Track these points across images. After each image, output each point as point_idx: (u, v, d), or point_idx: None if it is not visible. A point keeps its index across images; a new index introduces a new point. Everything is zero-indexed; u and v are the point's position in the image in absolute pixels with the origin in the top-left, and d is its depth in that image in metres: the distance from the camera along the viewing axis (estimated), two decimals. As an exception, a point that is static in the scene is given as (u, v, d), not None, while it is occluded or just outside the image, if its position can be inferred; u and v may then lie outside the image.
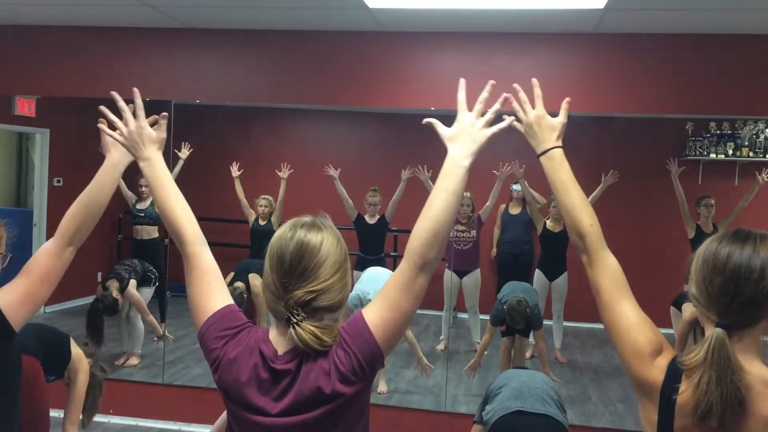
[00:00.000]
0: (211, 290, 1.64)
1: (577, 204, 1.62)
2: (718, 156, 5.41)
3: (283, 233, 1.56)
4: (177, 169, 5.17)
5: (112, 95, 1.82)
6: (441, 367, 5.12)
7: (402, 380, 5.28)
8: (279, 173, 5.77)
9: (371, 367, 1.49)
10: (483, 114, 1.60)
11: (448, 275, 5.49)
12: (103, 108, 1.84)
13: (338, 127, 6.60)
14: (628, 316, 1.51)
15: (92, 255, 5.52)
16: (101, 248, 6.02)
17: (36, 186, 5.70)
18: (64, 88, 4.92)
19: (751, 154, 5.38)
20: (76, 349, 3.32)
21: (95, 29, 4.84)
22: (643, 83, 4.32)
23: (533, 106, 1.73)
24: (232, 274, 5.42)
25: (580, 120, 4.96)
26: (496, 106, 1.63)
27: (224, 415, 3.35)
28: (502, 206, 5.94)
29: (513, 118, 1.69)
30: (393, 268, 5.72)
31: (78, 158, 5.64)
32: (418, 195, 5.29)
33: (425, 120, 1.66)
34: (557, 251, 5.43)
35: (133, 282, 5.30)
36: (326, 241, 1.54)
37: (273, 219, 5.81)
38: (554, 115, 1.74)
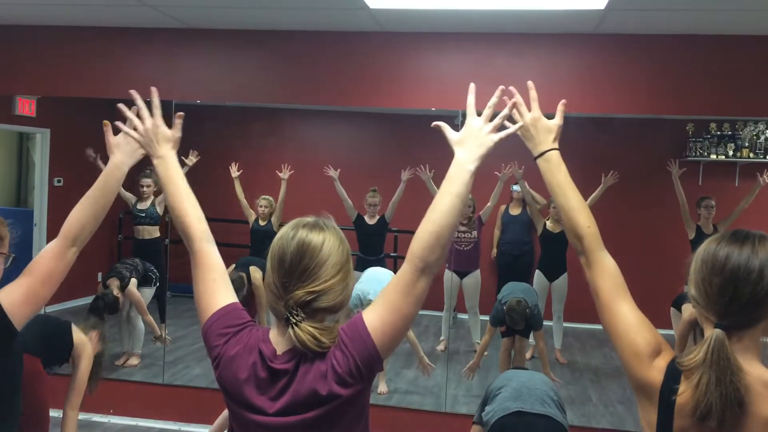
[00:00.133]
0: (216, 287, 1.65)
1: (575, 206, 1.63)
2: (719, 157, 5.41)
3: (285, 233, 1.56)
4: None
5: (131, 94, 1.86)
6: (441, 368, 5.12)
7: (402, 380, 5.28)
8: (279, 174, 5.77)
9: (369, 370, 1.48)
10: (492, 119, 1.60)
11: (449, 276, 5.49)
12: (121, 106, 1.88)
13: (338, 128, 6.60)
14: (626, 317, 1.52)
15: (93, 255, 5.47)
16: (102, 248, 6.02)
17: (36, 186, 5.70)
18: (64, 88, 4.92)
19: (751, 155, 5.37)
20: (78, 336, 3.32)
21: (96, 29, 4.84)
22: (643, 84, 4.32)
23: (529, 109, 1.73)
24: (233, 266, 5.41)
25: (581, 120, 4.97)
26: (505, 111, 1.64)
27: (224, 414, 3.36)
28: (503, 207, 5.95)
29: (521, 123, 1.69)
30: (393, 268, 5.76)
31: (78, 158, 5.65)
32: (419, 196, 5.31)
33: (434, 123, 1.65)
34: (557, 252, 5.43)
35: (133, 281, 5.30)
36: (328, 241, 1.54)
37: (273, 219, 5.82)
38: (551, 116, 1.74)
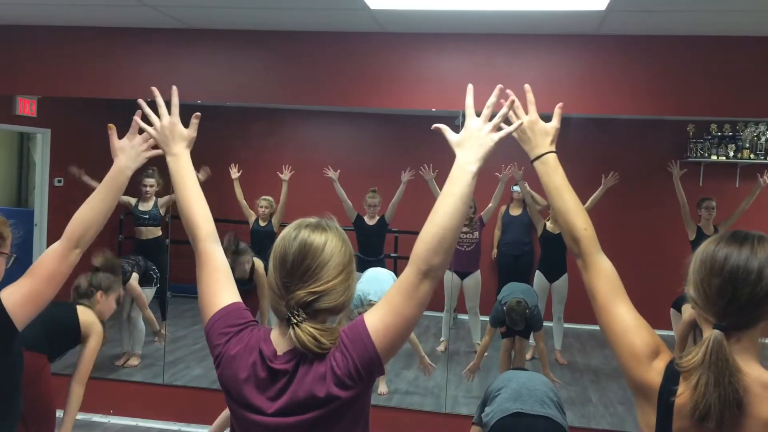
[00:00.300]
0: (219, 287, 1.66)
1: (572, 208, 1.63)
2: (719, 158, 5.41)
3: (287, 234, 1.56)
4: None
5: (152, 91, 1.89)
6: (441, 369, 5.11)
7: (402, 381, 5.28)
8: (280, 175, 5.77)
9: (369, 372, 1.48)
10: (491, 118, 1.60)
11: (449, 276, 5.49)
12: (141, 101, 1.91)
13: (339, 128, 6.60)
14: (624, 318, 1.51)
15: (92, 254, 5.51)
16: (102, 248, 6.01)
17: (37, 186, 5.70)
18: (65, 88, 4.93)
19: (752, 156, 5.37)
20: (84, 316, 3.32)
21: (96, 29, 4.85)
22: (644, 85, 4.32)
23: (526, 112, 1.73)
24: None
25: (582, 121, 4.98)
26: (504, 110, 1.63)
27: (223, 414, 3.37)
28: (503, 208, 5.95)
29: (521, 121, 1.69)
30: (393, 269, 5.75)
31: (79, 159, 5.66)
32: (419, 196, 5.31)
33: (434, 126, 1.65)
34: (557, 252, 5.43)
35: (135, 276, 5.28)
36: (330, 242, 1.53)
37: (273, 220, 5.81)
38: (550, 117, 1.74)
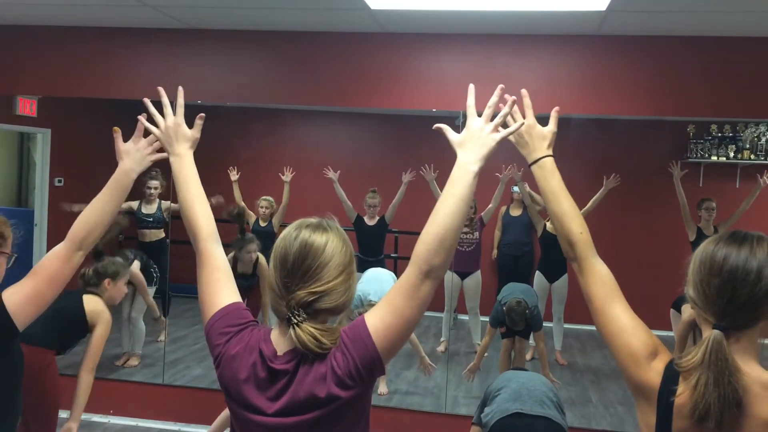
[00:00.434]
0: (220, 287, 1.66)
1: (568, 212, 1.64)
2: (720, 158, 5.41)
3: (287, 234, 1.56)
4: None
5: (159, 90, 1.89)
6: (441, 369, 5.11)
7: (402, 381, 5.28)
8: (282, 177, 5.76)
9: (369, 372, 1.47)
10: (492, 119, 1.60)
11: (449, 276, 5.49)
12: (146, 100, 1.93)
13: (339, 128, 6.61)
14: (621, 319, 1.51)
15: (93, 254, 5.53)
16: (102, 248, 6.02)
17: (37, 186, 5.70)
18: (65, 88, 4.93)
19: (752, 156, 5.38)
20: (90, 305, 3.33)
21: (96, 29, 4.85)
22: (644, 85, 4.32)
23: (524, 116, 1.74)
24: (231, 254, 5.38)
25: (582, 122, 4.98)
26: (506, 110, 1.63)
27: (223, 414, 3.37)
28: (503, 208, 5.95)
29: (522, 122, 1.69)
30: (393, 269, 5.74)
31: (79, 158, 5.66)
32: (420, 197, 5.31)
33: (436, 126, 1.65)
34: (557, 253, 5.32)
35: (136, 263, 5.27)
36: (331, 242, 1.53)
37: (274, 221, 5.81)
38: (546, 117, 1.74)
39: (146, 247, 5.63)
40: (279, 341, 1.52)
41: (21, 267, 2.05)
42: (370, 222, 5.69)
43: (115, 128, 1.98)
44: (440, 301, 5.56)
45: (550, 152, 1.70)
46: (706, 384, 1.33)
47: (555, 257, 5.43)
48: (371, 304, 4.55)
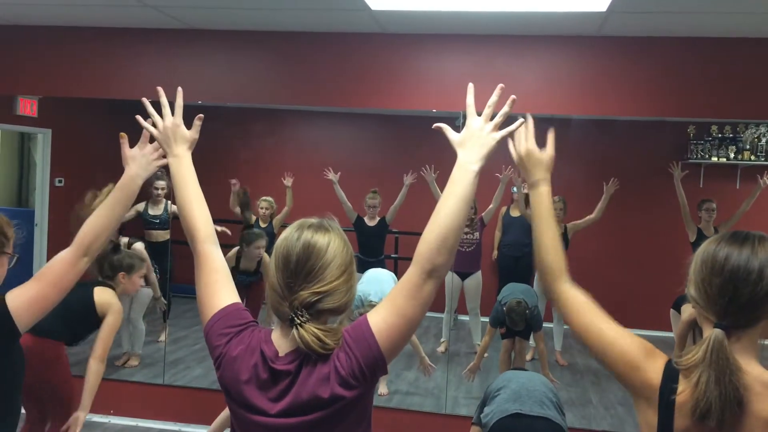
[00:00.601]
0: (218, 288, 1.65)
1: (547, 244, 1.65)
2: (720, 159, 5.41)
3: (289, 234, 1.56)
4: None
5: (158, 90, 1.89)
6: (441, 370, 5.11)
7: (402, 382, 5.27)
8: (284, 181, 5.75)
9: (372, 372, 1.48)
10: (492, 118, 1.60)
11: (450, 277, 5.49)
12: (144, 100, 1.92)
13: (339, 129, 6.61)
14: (607, 333, 1.52)
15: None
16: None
17: (37, 186, 5.70)
18: (66, 88, 4.93)
19: (752, 157, 5.38)
20: (101, 296, 3.34)
21: (97, 30, 4.85)
22: (644, 86, 4.32)
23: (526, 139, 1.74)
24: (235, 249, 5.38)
25: (582, 123, 4.98)
26: (505, 109, 1.63)
27: (222, 415, 3.36)
28: (503, 208, 5.95)
29: (522, 120, 1.69)
30: (393, 270, 5.72)
31: (80, 159, 5.66)
32: (420, 197, 5.31)
33: (436, 125, 1.65)
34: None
35: (140, 243, 5.25)
36: (333, 242, 1.54)
37: (275, 222, 5.80)
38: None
39: (152, 248, 5.63)
40: (280, 342, 1.52)
41: (22, 267, 2.05)
42: (370, 223, 5.69)
43: (122, 134, 1.99)
44: (440, 302, 5.56)
45: (546, 176, 1.71)
46: (707, 382, 1.34)
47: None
48: (372, 305, 4.55)
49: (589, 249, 5.54)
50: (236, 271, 5.26)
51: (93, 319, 3.30)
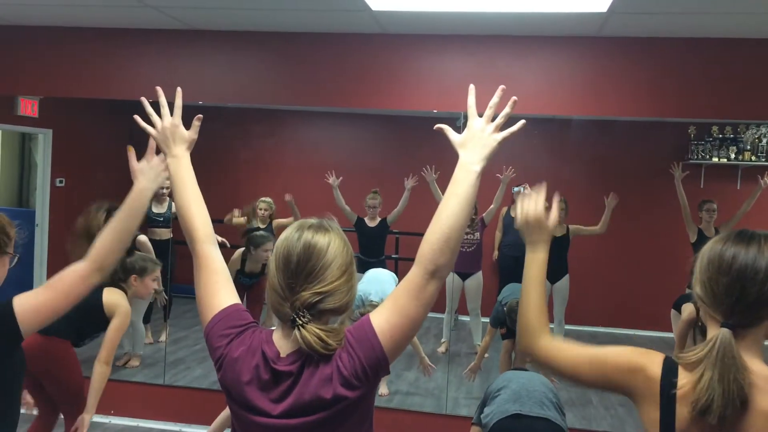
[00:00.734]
0: (218, 289, 1.65)
1: (532, 303, 1.76)
2: (721, 160, 5.41)
3: (290, 234, 1.56)
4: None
5: (157, 90, 1.88)
6: (442, 370, 5.11)
7: (403, 382, 5.28)
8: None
9: (375, 372, 1.48)
10: (493, 119, 1.60)
11: (450, 277, 5.49)
12: (143, 99, 1.92)
13: (340, 130, 6.61)
14: (598, 353, 1.56)
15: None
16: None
17: (38, 186, 5.70)
18: (66, 88, 4.93)
19: (753, 158, 5.38)
20: (109, 297, 3.33)
21: (98, 30, 4.85)
22: (645, 86, 4.32)
23: (549, 207, 1.80)
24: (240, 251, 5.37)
25: (583, 123, 4.98)
26: (507, 110, 1.63)
27: (222, 415, 3.37)
28: (504, 209, 5.95)
29: (524, 121, 1.69)
30: (394, 270, 5.71)
31: (80, 159, 5.66)
32: (421, 198, 5.31)
33: (437, 126, 1.65)
34: (559, 254, 5.44)
35: (144, 236, 5.26)
36: (333, 243, 1.54)
37: (275, 224, 5.77)
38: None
39: (155, 246, 5.64)
40: (282, 343, 1.52)
41: (22, 267, 2.05)
42: (371, 223, 5.68)
43: (129, 147, 1.99)
44: (441, 302, 5.55)
45: (548, 240, 1.80)
46: (710, 380, 1.35)
47: (556, 258, 5.40)
48: (372, 304, 4.55)
49: (590, 249, 5.55)
50: (241, 274, 5.27)
51: (100, 319, 3.30)
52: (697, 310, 1.56)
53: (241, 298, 1.76)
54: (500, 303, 4.72)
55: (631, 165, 5.72)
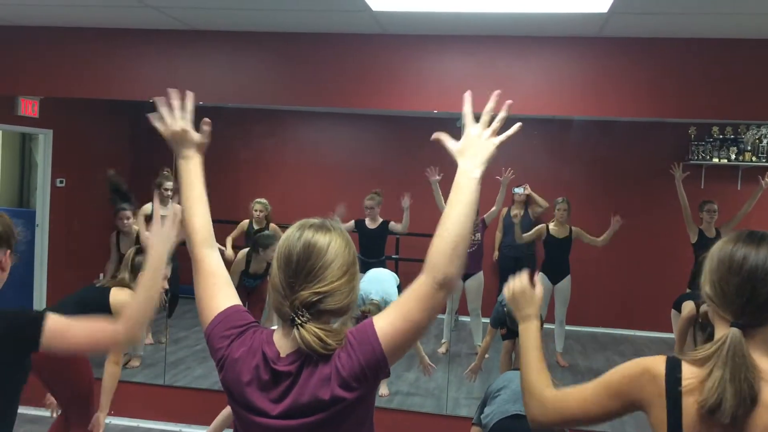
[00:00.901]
0: (217, 291, 1.65)
1: (533, 366, 1.80)
2: (721, 160, 5.41)
3: (291, 234, 1.56)
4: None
5: (169, 92, 1.87)
6: (442, 370, 5.11)
7: (403, 383, 5.27)
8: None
9: (374, 374, 1.47)
10: (489, 124, 1.60)
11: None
12: (158, 100, 1.89)
13: (340, 130, 6.61)
14: (601, 381, 1.57)
15: (94, 254, 5.53)
16: (104, 248, 6.03)
17: (39, 187, 5.70)
18: (67, 89, 4.93)
19: (753, 158, 5.38)
20: (116, 297, 3.33)
21: (98, 30, 4.85)
22: (646, 87, 4.32)
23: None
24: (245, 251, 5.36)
25: (583, 123, 4.98)
26: (503, 114, 1.63)
27: (222, 414, 3.37)
28: (504, 209, 5.95)
29: (520, 124, 1.68)
30: (394, 270, 5.69)
31: (81, 159, 5.66)
32: (421, 199, 5.30)
33: (434, 136, 1.64)
34: (560, 255, 5.46)
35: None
36: (334, 242, 1.53)
37: (271, 226, 5.75)
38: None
39: None
40: (282, 343, 1.52)
41: (22, 267, 2.05)
42: (371, 225, 5.67)
43: (138, 215, 1.99)
44: (441, 303, 5.54)
45: (538, 312, 1.83)
46: (721, 378, 1.36)
47: (558, 259, 5.46)
48: (373, 303, 4.56)
49: (591, 250, 5.54)
50: (245, 275, 5.26)
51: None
52: (698, 308, 1.58)
53: (243, 301, 1.75)
54: (500, 303, 4.72)
55: (631, 165, 5.72)
